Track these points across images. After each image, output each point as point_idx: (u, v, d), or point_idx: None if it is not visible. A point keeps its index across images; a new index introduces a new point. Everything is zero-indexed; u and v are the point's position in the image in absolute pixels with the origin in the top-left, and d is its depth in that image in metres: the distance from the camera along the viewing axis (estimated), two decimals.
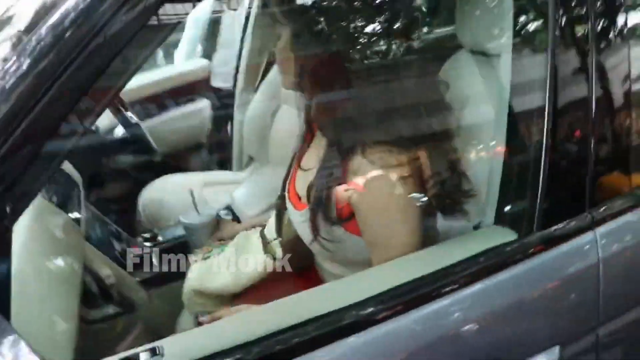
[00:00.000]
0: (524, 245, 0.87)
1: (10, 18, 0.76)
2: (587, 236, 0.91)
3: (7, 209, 0.61)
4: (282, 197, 1.04)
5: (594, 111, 0.90)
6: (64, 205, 1.23)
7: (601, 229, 0.91)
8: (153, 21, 0.67)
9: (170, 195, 1.75)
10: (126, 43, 0.62)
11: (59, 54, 0.60)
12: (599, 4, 0.91)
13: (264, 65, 2.09)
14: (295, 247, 1.07)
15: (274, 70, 1.86)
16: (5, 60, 0.60)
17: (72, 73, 0.60)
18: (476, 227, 1.02)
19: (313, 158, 1.00)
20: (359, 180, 0.88)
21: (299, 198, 1.00)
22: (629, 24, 0.95)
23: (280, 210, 1.05)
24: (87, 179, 1.49)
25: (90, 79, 0.62)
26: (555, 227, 0.89)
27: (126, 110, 1.92)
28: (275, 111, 1.87)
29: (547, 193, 0.88)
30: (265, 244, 1.01)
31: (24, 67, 0.60)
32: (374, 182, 0.87)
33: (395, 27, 1.01)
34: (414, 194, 0.90)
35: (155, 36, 1.38)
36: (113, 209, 1.71)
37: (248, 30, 2.13)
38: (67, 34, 0.60)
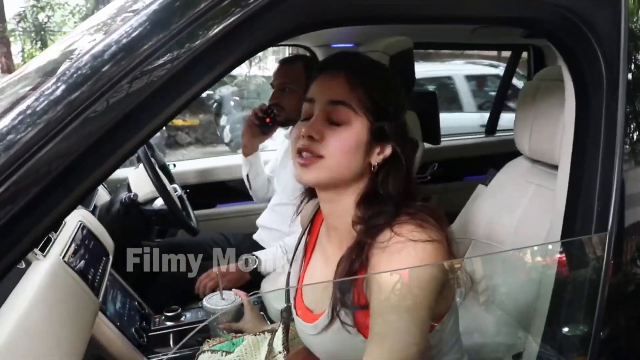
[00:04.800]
0: None
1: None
2: None
3: None
4: (288, 309, 0.98)
5: None
6: (86, 271, 1.19)
7: None
8: None
9: None
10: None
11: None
12: None
13: None
14: None
15: None
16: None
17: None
18: (515, 357, 0.91)
19: (319, 267, 0.94)
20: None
21: (309, 310, 0.93)
22: None
23: (287, 322, 0.96)
24: (120, 248, 1.48)
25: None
26: None
27: (172, 182, 1.92)
28: None
29: (606, 328, 0.73)
30: (271, 356, 0.93)
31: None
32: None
33: None
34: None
35: None
36: (141, 281, 1.66)
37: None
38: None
